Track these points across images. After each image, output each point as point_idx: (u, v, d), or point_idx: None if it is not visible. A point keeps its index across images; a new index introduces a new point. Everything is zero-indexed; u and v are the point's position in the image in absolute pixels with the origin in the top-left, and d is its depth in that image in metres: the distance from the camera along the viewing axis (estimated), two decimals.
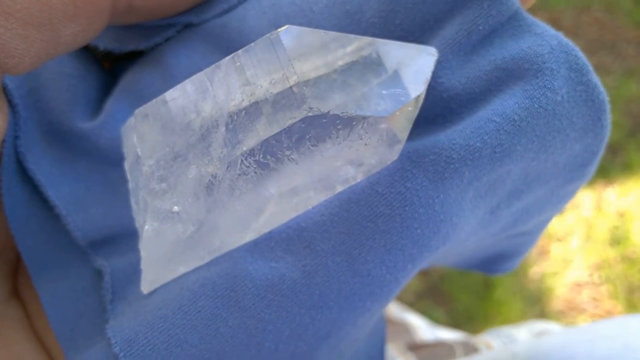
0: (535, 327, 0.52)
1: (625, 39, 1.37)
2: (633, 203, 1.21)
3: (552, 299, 1.14)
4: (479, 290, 1.13)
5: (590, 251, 1.17)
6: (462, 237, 0.22)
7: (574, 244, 1.18)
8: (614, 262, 1.16)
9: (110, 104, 0.23)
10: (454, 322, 1.10)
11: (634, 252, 1.16)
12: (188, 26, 0.24)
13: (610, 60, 1.33)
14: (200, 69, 0.19)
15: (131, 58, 0.25)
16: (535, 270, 1.15)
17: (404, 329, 0.49)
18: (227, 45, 0.23)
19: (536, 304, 1.13)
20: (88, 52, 0.25)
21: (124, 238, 0.23)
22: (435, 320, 1.05)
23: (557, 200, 0.25)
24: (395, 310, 0.52)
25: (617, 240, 1.18)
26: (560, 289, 1.14)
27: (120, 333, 0.20)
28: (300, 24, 0.21)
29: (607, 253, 1.17)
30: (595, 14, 1.39)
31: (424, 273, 1.14)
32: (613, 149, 1.25)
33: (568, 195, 0.25)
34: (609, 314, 1.12)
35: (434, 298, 1.13)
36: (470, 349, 0.46)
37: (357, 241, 0.20)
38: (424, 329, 0.50)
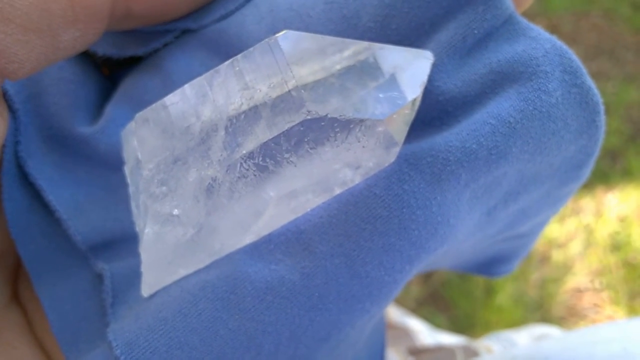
0: (536, 331, 0.52)
1: (625, 45, 1.37)
2: (633, 208, 1.21)
3: (553, 305, 1.14)
4: (480, 297, 1.13)
5: (591, 257, 1.17)
6: (460, 239, 0.22)
7: (575, 250, 1.18)
8: (615, 268, 1.16)
9: (110, 109, 0.24)
10: (455, 329, 1.10)
11: (635, 257, 1.16)
12: (186, 32, 0.24)
13: (610, 66, 1.33)
14: (199, 74, 0.19)
15: (130, 64, 0.25)
16: (536, 276, 1.15)
17: (405, 333, 0.49)
18: (226, 50, 0.23)
19: (537, 310, 1.13)
20: (87, 58, 0.25)
21: (124, 242, 0.23)
22: (437, 326, 1.05)
23: (553, 201, 0.25)
24: (396, 314, 0.52)
25: (617, 245, 1.18)
26: (561, 295, 1.14)
27: (121, 336, 0.20)
28: (297, 29, 0.21)
29: (608, 259, 1.17)
30: (594, 20, 1.39)
31: (425, 279, 1.14)
32: (613, 155, 1.25)
33: (564, 196, 0.25)
34: (610, 319, 1.11)
35: (435, 304, 1.13)
36: (471, 353, 0.46)
37: (356, 243, 0.20)
38: (425, 334, 0.50)
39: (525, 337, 0.50)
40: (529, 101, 0.20)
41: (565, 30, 1.36)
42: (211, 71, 0.18)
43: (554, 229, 1.18)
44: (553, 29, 1.36)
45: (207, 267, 0.21)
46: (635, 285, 1.14)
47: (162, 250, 0.20)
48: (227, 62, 0.18)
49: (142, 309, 0.21)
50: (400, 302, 1.10)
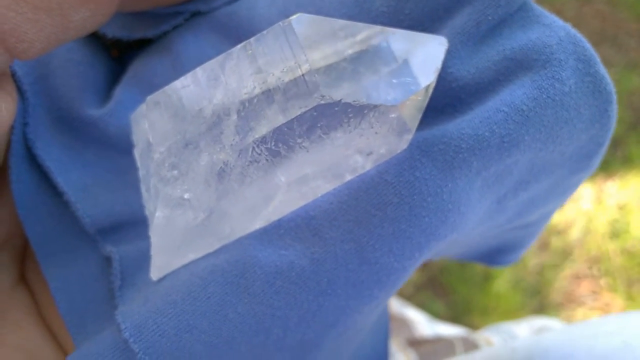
0: (536, 323, 0.52)
1: (628, 32, 1.36)
2: (633, 196, 1.21)
3: (551, 292, 1.14)
4: (479, 282, 1.14)
5: (590, 244, 1.17)
6: (469, 227, 0.22)
7: (574, 237, 1.18)
8: (614, 255, 1.16)
9: (119, 92, 0.24)
10: (453, 314, 1.10)
11: (634, 245, 1.16)
12: (196, 14, 0.24)
13: (612, 53, 1.33)
14: (209, 58, 0.19)
15: (139, 46, 0.25)
16: (535, 262, 1.16)
17: (404, 324, 0.49)
18: (237, 33, 0.23)
19: (535, 296, 1.13)
20: (97, 40, 0.25)
21: (133, 225, 0.23)
22: (435, 312, 1.06)
23: (562, 191, 0.25)
24: (395, 305, 0.52)
25: (616, 233, 1.18)
26: (560, 282, 1.15)
27: (130, 319, 0.20)
28: (309, 12, 0.21)
29: (607, 246, 1.17)
30: (597, 6, 1.39)
31: (424, 265, 1.14)
32: (614, 142, 1.25)
33: (572, 186, 0.25)
34: (608, 306, 1.12)
35: (434, 290, 1.13)
36: (470, 345, 0.46)
37: (366, 229, 0.20)
38: (424, 325, 0.50)
39: (525, 329, 0.50)
40: (543, 89, 0.20)
41: (569, 16, 1.35)
42: (224, 54, 0.18)
43: (553, 215, 1.19)
44: (556, 14, 1.35)
45: (217, 252, 0.21)
46: (634, 272, 1.14)
47: (172, 234, 0.20)
48: (239, 45, 0.18)
49: (151, 292, 0.21)
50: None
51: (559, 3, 1.37)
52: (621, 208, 1.20)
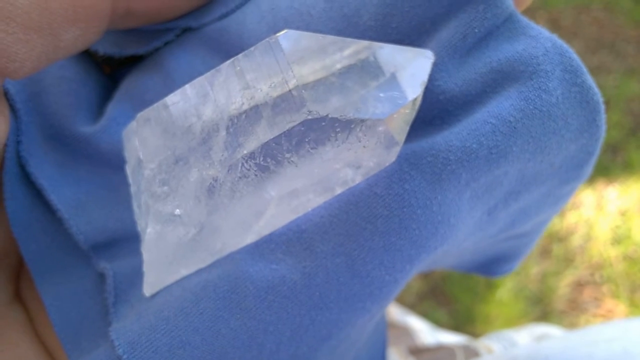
0: (536, 330, 0.52)
1: (625, 39, 1.37)
2: (634, 202, 1.21)
3: (553, 299, 1.14)
4: (481, 291, 1.13)
5: (592, 251, 1.17)
6: (460, 238, 0.22)
7: (576, 244, 1.18)
8: (616, 262, 1.16)
9: (111, 108, 0.24)
10: (455, 323, 1.10)
11: (636, 251, 1.16)
12: (187, 30, 0.24)
13: (611, 60, 1.33)
14: (200, 73, 0.19)
15: (131, 62, 0.25)
16: (537, 270, 1.16)
17: (406, 332, 0.49)
18: (227, 49, 0.23)
19: (538, 304, 1.13)
20: (88, 57, 0.25)
21: (126, 241, 0.23)
22: (437, 321, 1.05)
23: (554, 200, 0.25)
24: (396, 313, 0.52)
25: (618, 239, 1.18)
26: (562, 289, 1.14)
27: (124, 335, 0.20)
28: (298, 28, 0.21)
29: (609, 252, 1.17)
30: (594, 14, 1.39)
31: (426, 274, 1.14)
32: (614, 148, 1.25)
33: (565, 195, 0.25)
34: (610, 313, 1.12)
35: (436, 299, 1.13)
36: (471, 353, 0.46)
37: (356, 242, 0.20)
38: (426, 333, 0.50)
39: (525, 336, 0.50)
40: (530, 100, 0.20)
41: (566, 23, 1.35)
42: (212, 71, 0.18)
43: (554, 223, 1.19)
44: (553, 22, 1.36)
45: (209, 267, 0.21)
46: (636, 278, 1.14)
47: (163, 249, 0.20)
48: (228, 62, 0.18)
49: (144, 308, 0.21)
50: (401, 297, 1.10)
51: (557, 11, 1.37)
52: (622, 214, 1.20)
